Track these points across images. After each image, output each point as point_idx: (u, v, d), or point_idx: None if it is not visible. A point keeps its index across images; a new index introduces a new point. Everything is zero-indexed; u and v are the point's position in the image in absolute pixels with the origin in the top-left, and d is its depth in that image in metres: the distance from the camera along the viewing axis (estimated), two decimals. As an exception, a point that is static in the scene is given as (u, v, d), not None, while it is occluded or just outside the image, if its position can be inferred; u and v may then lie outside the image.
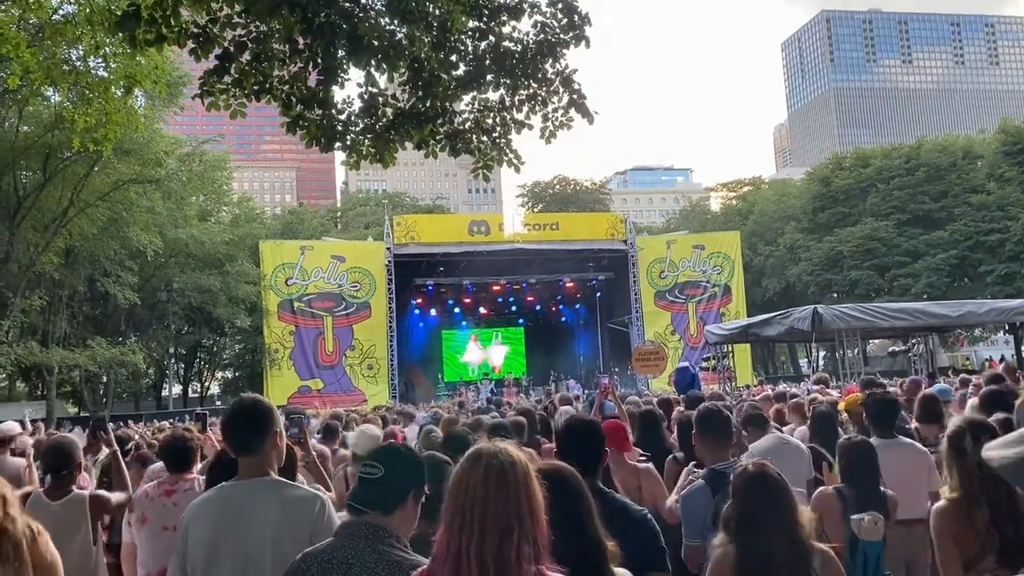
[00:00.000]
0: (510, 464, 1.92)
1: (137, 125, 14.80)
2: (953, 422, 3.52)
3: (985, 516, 3.14)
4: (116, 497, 4.57)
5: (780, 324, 19.43)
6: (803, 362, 48.18)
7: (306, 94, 6.06)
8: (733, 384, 22.48)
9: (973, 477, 3.21)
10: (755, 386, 22.34)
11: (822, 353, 41.49)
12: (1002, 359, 27.83)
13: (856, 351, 21.06)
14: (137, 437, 8.51)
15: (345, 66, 5.94)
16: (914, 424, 5.84)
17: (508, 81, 6.19)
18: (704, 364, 25.51)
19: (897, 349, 26.56)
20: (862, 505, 3.76)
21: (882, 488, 4.04)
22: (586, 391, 25.34)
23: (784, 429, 6.44)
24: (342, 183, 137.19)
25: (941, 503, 3.34)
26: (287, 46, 5.79)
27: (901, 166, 46.24)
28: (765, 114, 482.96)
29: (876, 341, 27.56)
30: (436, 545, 1.95)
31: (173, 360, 38.49)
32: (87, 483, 5.57)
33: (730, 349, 24.46)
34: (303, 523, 2.77)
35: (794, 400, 8.02)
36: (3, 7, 10.56)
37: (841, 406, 6.60)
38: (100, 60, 10.62)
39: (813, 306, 19.12)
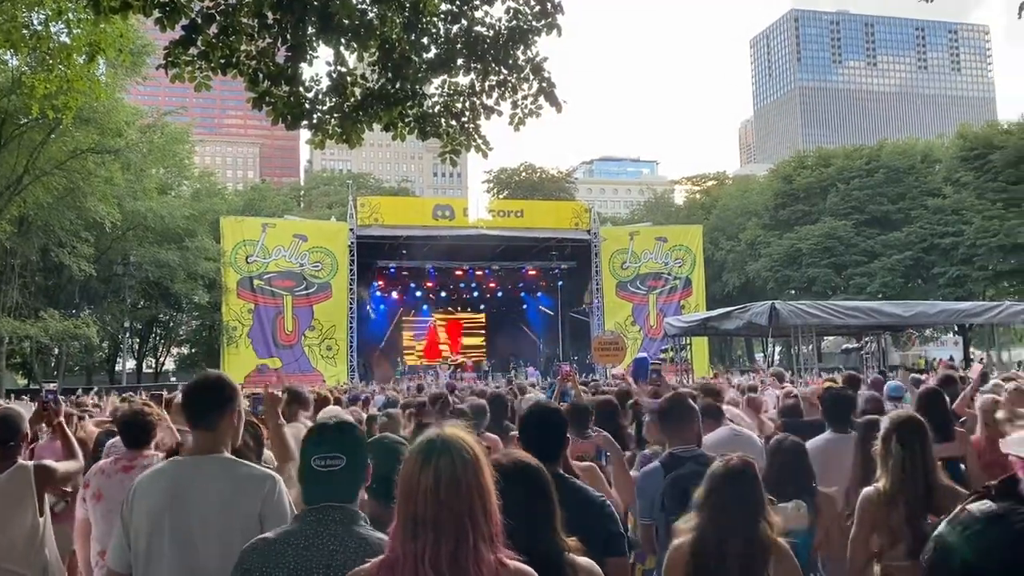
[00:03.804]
0: (462, 464, 1.87)
1: (99, 93, 14.45)
2: (885, 419, 3.67)
3: (902, 513, 3.30)
4: (63, 467, 4.48)
5: (738, 318, 19.71)
6: (759, 356, 48.96)
7: (273, 70, 5.97)
8: (691, 376, 22.75)
9: (897, 472, 3.37)
10: (711, 377, 22.63)
11: (778, 348, 42.18)
12: (951, 359, 28.55)
13: (811, 347, 21.47)
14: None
15: (314, 43, 5.88)
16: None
17: (479, 66, 6.17)
18: (662, 355, 25.79)
19: (850, 347, 27.14)
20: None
21: (815, 485, 4.14)
22: (546, 378, 25.48)
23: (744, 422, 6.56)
24: (307, 161, 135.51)
25: (870, 489, 3.50)
26: (256, 20, 5.70)
27: (862, 167, 47.05)
28: (732, 110, 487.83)
29: (830, 338, 28.10)
30: (389, 546, 1.92)
31: (128, 335, 37.80)
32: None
33: (688, 341, 24.76)
34: (252, 501, 2.74)
35: (751, 395, 8.15)
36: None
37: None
38: (63, 26, 10.33)
39: (771, 302, 19.43)
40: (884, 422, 3.64)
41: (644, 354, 21.59)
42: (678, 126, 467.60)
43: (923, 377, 11.88)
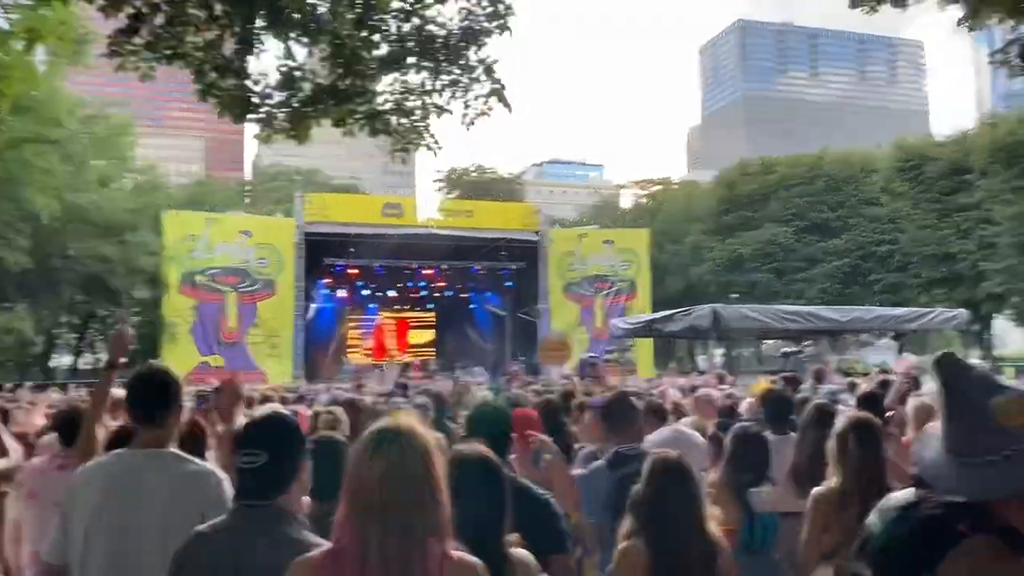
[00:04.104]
0: (412, 455, 1.88)
1: (37, 82, 14.02)
2: (841, 420, 3.77)
3: (856, 512, 3.39)
4: None
5: (682, 321, 20.00)
6: (701, 358, 49.76)
7: (221, 63, 5.90)
8: (636, 376, 23.01)
9: (852, 473, 3.46)
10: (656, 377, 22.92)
11: (719, 351, 42.87)
12: (883, 363, 29.38)
13: (751, 350, 21.91)
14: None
15: (263, 37, 5.82)
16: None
17: (431, 65, 6.19)
18: (607, 357, 26.03)
19: (789, 350, 27.71)
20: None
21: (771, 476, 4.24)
22: (494, 378, 25.49)
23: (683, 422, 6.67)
24: (254, 156, 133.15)
25: (822, 488, 3.59)
26: (204, 11, 5.62)
27: (803, 175, 48.21)
28: (680, 116, 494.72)
29: (770, 341, 28.72)
30: (335, 538, 1.91)
31: (65, 329, 36.70)
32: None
33: (633, 343, 25.05)
34: (195, 498, 2.70)
35: (700, 393, 8.30)
36: None
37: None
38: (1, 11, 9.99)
39: (713, 305, 19.77)
40: (841, 421, 3.73)
41: (592, 354, 21.77)
42: (626, 130, 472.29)
43: (859, 381, 12.26)
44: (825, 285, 43.46)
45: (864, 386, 8.37)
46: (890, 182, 45.07)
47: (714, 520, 3.09)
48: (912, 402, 5.86)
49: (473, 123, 6.40)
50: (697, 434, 5.57)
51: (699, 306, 20.54)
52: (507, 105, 6.32)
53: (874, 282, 42.99)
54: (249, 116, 6.28)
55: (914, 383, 7.44)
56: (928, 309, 26.48)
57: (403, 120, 6.44)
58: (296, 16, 5.47)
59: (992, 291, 38.57)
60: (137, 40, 5.50)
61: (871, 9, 7.25)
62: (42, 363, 38.04)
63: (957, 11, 7.13)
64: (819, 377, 10.18)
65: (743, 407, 7.17)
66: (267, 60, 5.97)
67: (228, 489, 2.77)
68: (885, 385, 7.68)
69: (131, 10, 5.36)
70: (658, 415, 5.53)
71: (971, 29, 7.38)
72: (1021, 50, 7.29)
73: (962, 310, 26.10)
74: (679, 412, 7.56)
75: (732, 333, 19.78)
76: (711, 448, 5.23)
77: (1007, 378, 10.25)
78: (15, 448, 5.17)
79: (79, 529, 2.71)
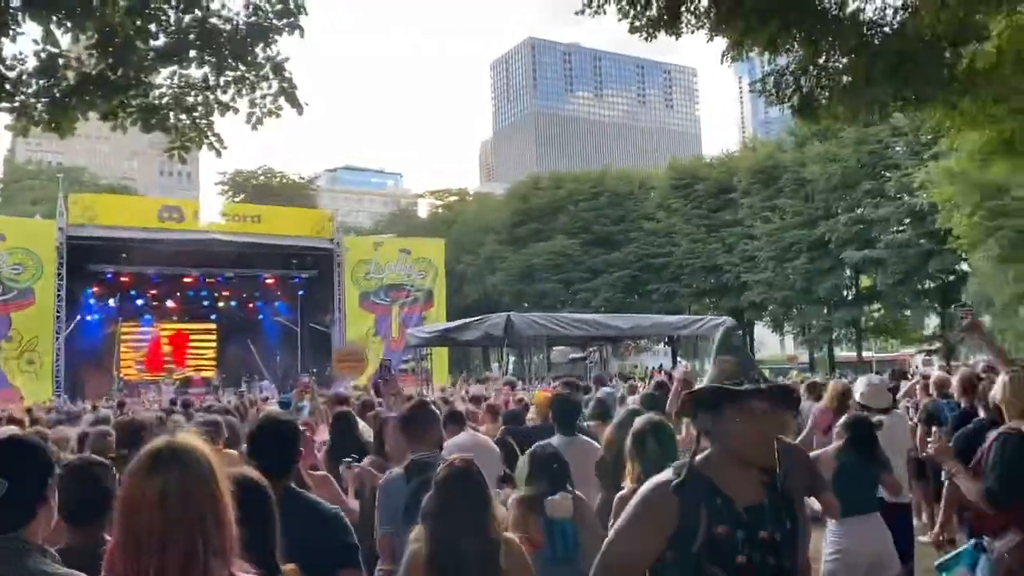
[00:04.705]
0: (193, 474, 1.75)
1: None
2: (637, 420, 3.97)
3: None
4: None
5: (477, 329, 20.41)
6: (495, 366, 50.97)
7: (-33, 43, 5.24)
8: (431, 385, 23.12)
9: (649, 469, 3.64)
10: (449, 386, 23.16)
11: (512, 358, 44.11)
12: (660, 367, 31.55)
13: (541, 356, 22.76)
14: None
15: (20, 19, 5.24)
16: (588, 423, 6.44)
17: (214, 60, 5.84)
18: (403, 366, 25.97)
19: (576, 356, 29.06)
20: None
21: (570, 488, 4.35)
22: (283, 392, 24.55)
23: (481, 429, 6.77)
24: (7, 151, 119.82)
25: (624, 489, 3.75)
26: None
27: (589, 190, 50.96)
28: (474, 128, 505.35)
29: (558, 348, 29.99)
30: (106, 569, 1.74)
31: None
32: None
33: (429, 352, 25.18)
34: None
35: (487, 402, 8.50)
36: None
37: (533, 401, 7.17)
38: None
39: (507, 313, 20.34)
40: (638, 423, 3.89)
41: (389, 357, 21.57)
42: (423, 140, 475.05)
43: (639, 384, 13.12)
44: (608, 295, 46.13)
45: (643, 388, 8.95)
46: (666, 199, 48.60)
47: (502, 520, 3.14)
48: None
49: (260, 123, 6.12)
50: (489, 439, 5.68)
51: (494, 315, 21.05)
52: (298, 106, 6.11)
53: (652, 291, 46.14)
54: (3, 104, 5.63)
55: (688, 386, 8.01)
56: (698, 317, 28.90)
57: (182, 116, 6.03)
58: (58, -3, 4.97)
59: (753, 300, 42.73)
60: None
61: (649, 36, 7.75)
62: None
63: (722, 42, 7.81)
64: (600, 382, 10.78)
65: (529, 415, 7.35)
66: (24, 44, 5.38)
67: None
68: (661, 387, 8.22)
69: None
70: (456, 421, 5.57)
71: (734, 60, 8.11)
72: (776, 81, 8.09)
73: (727, 317, 28.73)
74: (473, 419, 7.69)
75: (524, 340, 20.44)
76: (502, 453, 5.36)
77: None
78: None
79: None
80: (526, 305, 46.54)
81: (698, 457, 2.26)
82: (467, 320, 22.25)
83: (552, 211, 51.19)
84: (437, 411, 4.52)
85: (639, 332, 25.34)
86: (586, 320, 22.45)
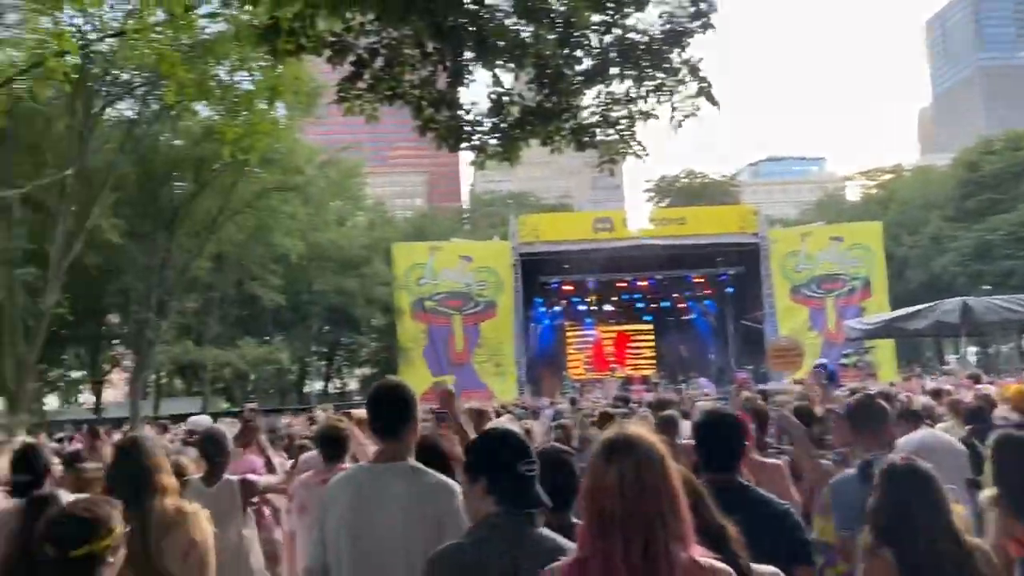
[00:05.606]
0: (646, 464, 1.88)
1: (279, 135, 15.63)
2: None
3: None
4: (264, 481, 4.84)
5: (926, 318, 18.26)
6: (952, 358, 45.36)
7: (435, 97, 6.23)
8: (875, 381, 21.39)
9: None
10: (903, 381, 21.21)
11: (973, 349, 38.80)
12: None
13: (1011, 346, 19.61)
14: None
15: (472, 68, 6.07)
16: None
17: (634, 72, 6.13)
18: (844, 360, 24.40)
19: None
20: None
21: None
22: (719, 388, 24.76)
23: (938, 426, 6.13)
24: (469, 185, 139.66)
25: None
26: (417, 51, 5.96)
27: (1058, 147, 42.74)
28: (907, 98, 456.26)
29: (1036, 336, 25.53)
30: (578, 547, 1.96)
31: (315, 357, 40.33)
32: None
33: (872, 344, 23.27)
34: (433, 510, 2.84)
35: (949, 398, 7.59)
36: (159, 29, 11.41)
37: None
38: (245, 74, 11.30)
39: (962, 298, 17.91)
40: None
41: (824, 360, 20.50)
42: (845, 119, 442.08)
43: None
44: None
45: None
46: None
47: (965, 523, 2.81)
48: None
49: (681, 125, 6.26)
50: (953, 439, 5.08)
51: (945, 300, 18.71)
52: (715, 103, 6.12)
53: None
54: (463, 144, 6.57)
55: None
56: None
57: (610, 131, 6.45)
58: (501, 44, 5.65)
59: None
60: (360, 84, 5.96)
61: None
62: (298, 389, 42.08)
63: None
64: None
65: (997, 412, 6.38)
66: (477, 89, 6.22)
67: (462, 501, 2.88)
68: None
69: (353, 57, 5.82)
70: (911, 419, 5.10)
71: None
72: None
73: None
74: (931, 416, 6.94)
75: (985, 328, 17.81)
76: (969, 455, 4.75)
77: None
78: (281, 464, 5.73)
79: (331, 533, 2.96)
80: (986, 287, 40.63)
81: None
82: (914, 308, 20.08)
83: (1011, 177, 43.90)
84: (885, 405, 4.19)
85: None
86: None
